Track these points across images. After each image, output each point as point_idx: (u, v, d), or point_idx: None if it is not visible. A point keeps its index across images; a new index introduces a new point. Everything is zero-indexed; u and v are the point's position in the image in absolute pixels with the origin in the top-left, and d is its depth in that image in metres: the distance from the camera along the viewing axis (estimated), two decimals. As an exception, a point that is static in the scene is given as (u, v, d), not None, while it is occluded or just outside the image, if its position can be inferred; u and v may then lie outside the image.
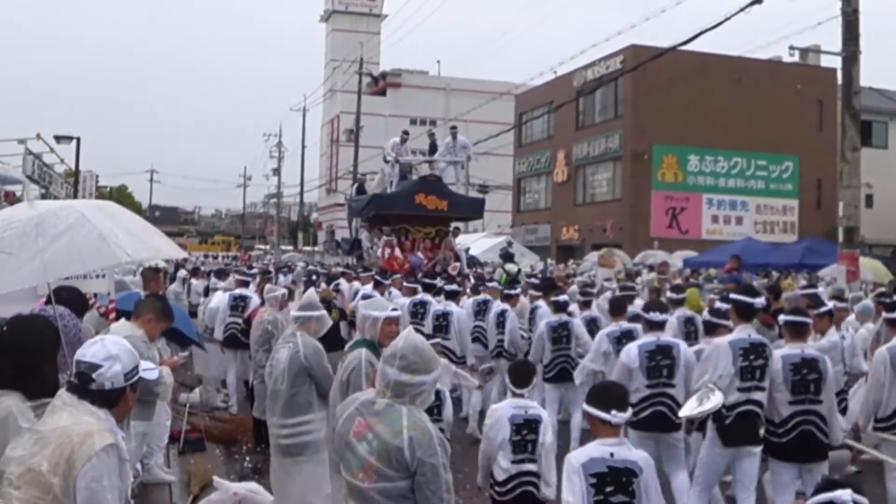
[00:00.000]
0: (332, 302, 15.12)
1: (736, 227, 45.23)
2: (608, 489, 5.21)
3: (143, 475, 9.15)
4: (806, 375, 7.79)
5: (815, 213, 45.22)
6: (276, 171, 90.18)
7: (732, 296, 8.69)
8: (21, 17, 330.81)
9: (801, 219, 46.41)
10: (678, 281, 18.32)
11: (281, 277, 22.35)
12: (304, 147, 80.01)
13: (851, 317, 13.16)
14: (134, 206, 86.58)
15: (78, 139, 36.19)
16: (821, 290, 17.14)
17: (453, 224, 25.37)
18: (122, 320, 7.60)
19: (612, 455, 5.28)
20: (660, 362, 8.68)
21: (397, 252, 22.96)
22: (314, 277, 20.58)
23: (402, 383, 4.50)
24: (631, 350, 8.91)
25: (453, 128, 26.59)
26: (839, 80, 19.93)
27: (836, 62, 20.71)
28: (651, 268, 26.57)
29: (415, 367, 4.50)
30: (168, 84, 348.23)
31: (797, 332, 8.13)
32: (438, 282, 15.85)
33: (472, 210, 26.29)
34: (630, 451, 5.37)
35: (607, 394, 5.52)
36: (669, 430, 8.69)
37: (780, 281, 22.83)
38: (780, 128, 44.27)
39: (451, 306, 13.60)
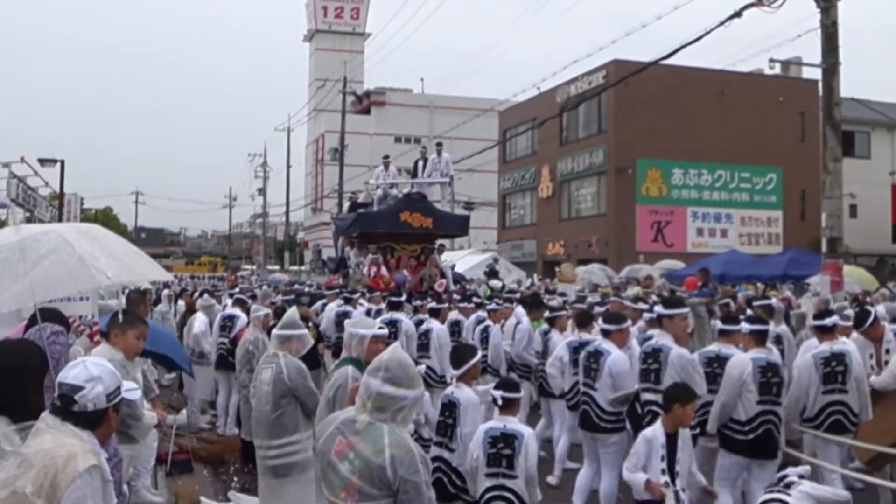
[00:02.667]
0: (311, 321, 15.15)
1: (721, 239, 45.39)
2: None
3: (131, 497, 9.12)
4: (771, 378, 8.30)
5: (799, 223, 45.43)
6: (262, 191, 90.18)
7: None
8: (3, 41, 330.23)
9: (786, 230, 46.62)
10: (665, 294, 18.37)
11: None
12: (289, 167, 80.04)
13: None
14: (119, 229, 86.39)
15: (62, 162, 36.06)
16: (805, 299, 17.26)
17: (438, 241, 25.39)
18: (102, 343, 7.57)
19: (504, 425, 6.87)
20: (591, 365, 9.34)
21: (383, 270, 22.96)
22: (301, 298, 20.52)
23: (384, 395, 4.49)
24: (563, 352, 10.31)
25: (439, 144, 26.61)
26: (820, 92, 20.01)
27: (816, 74, 20.79)
28: (637, 281, 26.65)
29: (398, 380, 4.50)
30: (152, 106, 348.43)
31: (760, 339, 8.64)
32: (408, 299, 16.00)
33: (457, 227, 26.30)
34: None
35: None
36: (596, 430, 9.17)
37: (766, 292, 22.90)
38: (763, 140, 44.51)
39: (433, 323, 13.63)
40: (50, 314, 7.14)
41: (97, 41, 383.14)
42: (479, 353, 7.84)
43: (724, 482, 8.45)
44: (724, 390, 8.50)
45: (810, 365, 9.21)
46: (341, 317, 15.82)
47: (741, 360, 8.51)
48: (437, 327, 13.56)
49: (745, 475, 8.52)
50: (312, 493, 7.13)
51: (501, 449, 6.84)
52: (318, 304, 18.72)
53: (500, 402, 7.03)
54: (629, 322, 10.51)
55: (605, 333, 9.58)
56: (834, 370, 9.06)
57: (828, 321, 9.60)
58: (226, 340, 14.30)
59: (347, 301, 17.13)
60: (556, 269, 30.46)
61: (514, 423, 6.99)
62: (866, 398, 9.13)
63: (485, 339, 13.57)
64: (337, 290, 18.78)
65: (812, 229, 38.05)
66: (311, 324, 14.88)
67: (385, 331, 7.15)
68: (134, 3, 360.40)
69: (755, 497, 7.81)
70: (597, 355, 9.34)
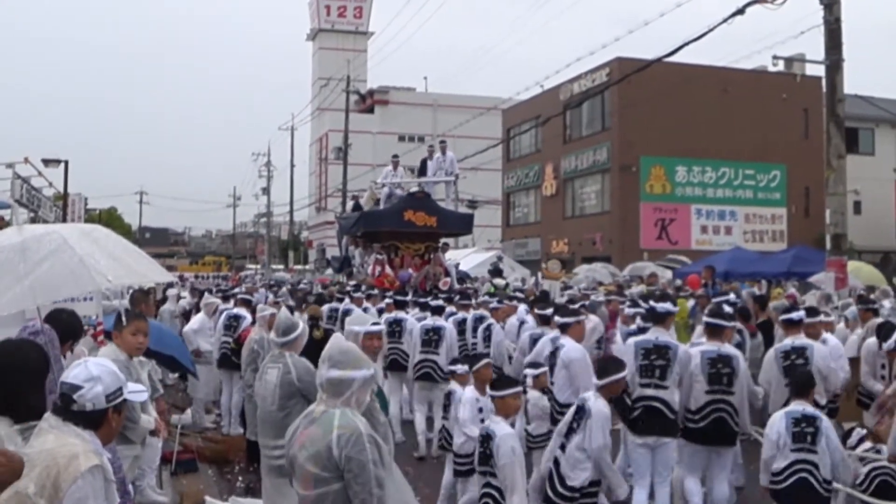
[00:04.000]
0: (319, 320, 15.18)
1: (725, 236, 45.31)
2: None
3: (136, 497, 9.13)
4: (721, 369, 8.77)
5: (803, 220, 45.31)
6: (266, 191, 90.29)
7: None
8: (3, 39, 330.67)
9: (790, 227, 46.52)
10: (669, 291, 18.33)
11: (270, 296, 22.36)
12: (292, 166, 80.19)
13: (841, 324, 13.22)
14: (123, 228, 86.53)
15: (66, 162, 36.05)
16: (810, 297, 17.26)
17: (442, 240, 25.40)
18: (109, 344, 7.58)
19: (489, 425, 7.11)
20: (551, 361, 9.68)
21: (388, 270, 22.98)
22: (308, 298, 20.42)
23: (332, 380, 4.69)
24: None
25: (443, 142, 26.59)
26: (824, 89, 20.00)
27: (820, 70, 20.77)
28: (641, 279, 26.61)
29: (342, 364, 4.71)
30: (156, 106, 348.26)
31: (716, 333, 9.08)
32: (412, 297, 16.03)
33: (461, 225, 26.31)
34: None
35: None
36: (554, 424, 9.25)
37: (771, 289, 22.88)
38: (767, 137, 44.40)
39: (440, 321, 13.75)
40: (66, 315, 7.18)
41: (99, 41, 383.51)
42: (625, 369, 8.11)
43: (688, 469, 8.89)
44: None
45: (771, 359, 9.84)
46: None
47: (688, 353, 9.00)
48: (448, 325, 13.77)
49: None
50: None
51: (485, 449, 7.08)
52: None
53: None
54: (584, 316, 11.07)
55: (563, 327, 9.88)
56: (794, 363, 9.45)
57: (794, 315, 10.06)
58: (230, 340, 14.30)
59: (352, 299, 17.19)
60: (543, 265, 30.40)
61: (497, 424, 7.09)
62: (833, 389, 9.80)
63: (487, 337, 13.61)
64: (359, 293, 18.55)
65: (816, 226, 38.01)
66: (319, 322, 14.94)
67: (379, 327, 7.10)
68: (136, 1, 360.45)
69: (715, 482, 8.79)
70: (555, 351, 9.66)
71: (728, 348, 9.04)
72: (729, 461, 8.94)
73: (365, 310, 15.48)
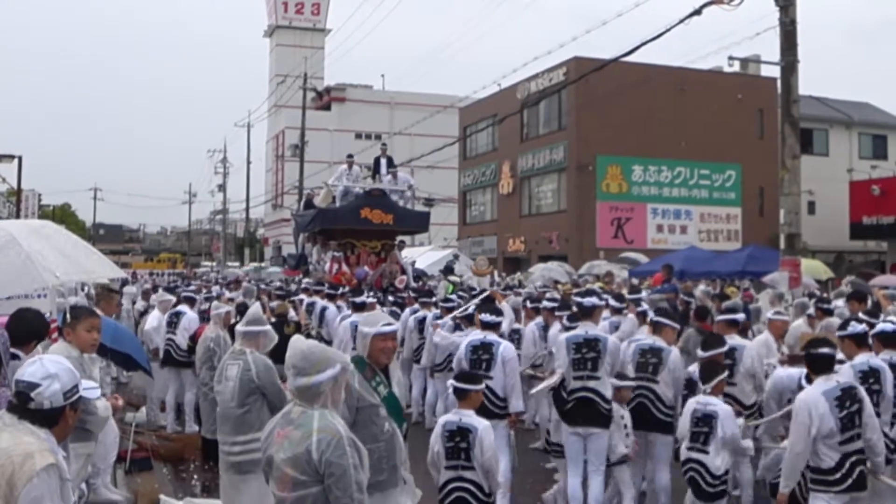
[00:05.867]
0: (288, 316, 15.17)
1: (681, 235, 45.58)
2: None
3: (90, 495, 9.05)
4: (649, 359, 9.35)
5: (758, 220, 45.66)
6: (222, 188, 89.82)
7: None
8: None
9: (745, 226, 46.90)
10: (623, 291, 18.42)
11: (226, 293, 22.22)
12: (249, 163, 79.99)
13: (800, 320, 13.29)
14: (77, 225, 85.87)
15: (20, 158, 35.78)
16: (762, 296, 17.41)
17: (399, 237, 25.39)
18: (60, 340, 7.51)
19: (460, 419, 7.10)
20: (481, 356, 9.67)
21: (345, 267, 22.94)
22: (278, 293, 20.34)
23: (300, 388, 4.63)
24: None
25: (393, 166, 26.36)
26: (779, 90, 20.16)
27: (775, 71, 20.94)
28: (597, 277, 26.71)
29: (305, 370, 4.62)
30: (111, 101, 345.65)
31: (658, 330, 9.67)
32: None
33: (417, 223, 26.32)
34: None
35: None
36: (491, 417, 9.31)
37: (725, 288, 23.06)
38: (722, 137, 44.77)
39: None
40: (31, 314, 7.09)
41: (52, 37, 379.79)
42: None
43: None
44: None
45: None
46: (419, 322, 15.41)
47: (617, 344, 9.56)
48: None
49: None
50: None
51: (458, 442, 7.04)
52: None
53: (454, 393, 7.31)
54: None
55: (487, 325, 9.96)
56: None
57: (736, 317, 10.54)
58: (172, 337, 14.36)
59: (331, 298, 17.30)
60: (472, 261, 30.52)
61: (470, 417, 7.11)
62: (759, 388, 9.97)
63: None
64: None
65: (771, 226, 38.31)
66: (288, 319, 14.93)
67: (391, 327, 6.23)
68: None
69: (658, 467, 9.25)
70: (487, 347, 9.68)
71: (661, 342, 9.46)
72: (664, 446, 9.20)
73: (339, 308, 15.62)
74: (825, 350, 7.29)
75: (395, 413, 6.07)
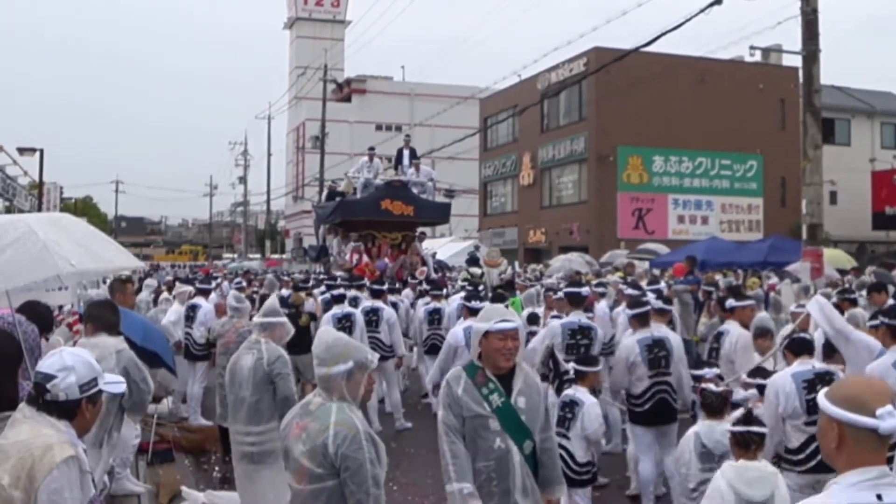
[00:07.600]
0: (301, 307, 15.18)
1: (702, 226, 45.35)
2: None
3: (112, 486, 9.08)
4: (658, 353, 9.35)
5: (779, 210, 45.42)
6: (243, 180, 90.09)
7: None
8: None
9: (766, 217, 46.66)
10: (644, 282, 18.37)
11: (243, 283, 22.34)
12: (269, 155, 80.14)
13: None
14: (99, 218, 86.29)
15: (41, 151, 35.90)
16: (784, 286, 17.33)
17: (419, 229, 25.37)
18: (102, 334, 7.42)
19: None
20: (579, 341, 10.10)
21: (366, 258, 22.94)
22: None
23: (321, 377, 4.64)
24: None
25: (416, 158, 26.37)
26: (800, 79, 20.06)
27: (797, 61, 20.85)
28: (616, 268, 26.63)
29: (326, 361, 4.62)
30: (133, 94, 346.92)
31: (640, 321, 9.67)
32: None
33: (438, 215, 26.30)
34: None
35: None
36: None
37: (746, 279, 22.94)
38: (744, 127, 44.52)
39: (379, 304, 14.52)
40: (35, 306, 7.12)
41: (75, 31, 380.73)
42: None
43: (641, 449, 9.48)
44: (613, 372, 10.06)
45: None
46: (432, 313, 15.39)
47: (625, 346, 9.64)
48: (387, 308, 14.57)
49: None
50: (285, 480, 7.20)
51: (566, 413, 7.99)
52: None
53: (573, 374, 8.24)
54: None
55: (574, 300, 10.58)
56: (712, 348, 10.33)
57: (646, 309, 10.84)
58: (189, 331, 14.65)
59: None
60: (483, 253, 30.50)
61: (582, 392, 8.05)
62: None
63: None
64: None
65: (792, 216, 38.12)
66: (301, 310, 14.95)
67: (510, 324, 5.32)
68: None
69: (642, 458, 9.45)
70: (585, 331, 10.26)
71: (663, 332, 9.64)
72: (674, 436, 9.24)
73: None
74: (804, 335, 7.70)
75: (511, 428, 5.26)
